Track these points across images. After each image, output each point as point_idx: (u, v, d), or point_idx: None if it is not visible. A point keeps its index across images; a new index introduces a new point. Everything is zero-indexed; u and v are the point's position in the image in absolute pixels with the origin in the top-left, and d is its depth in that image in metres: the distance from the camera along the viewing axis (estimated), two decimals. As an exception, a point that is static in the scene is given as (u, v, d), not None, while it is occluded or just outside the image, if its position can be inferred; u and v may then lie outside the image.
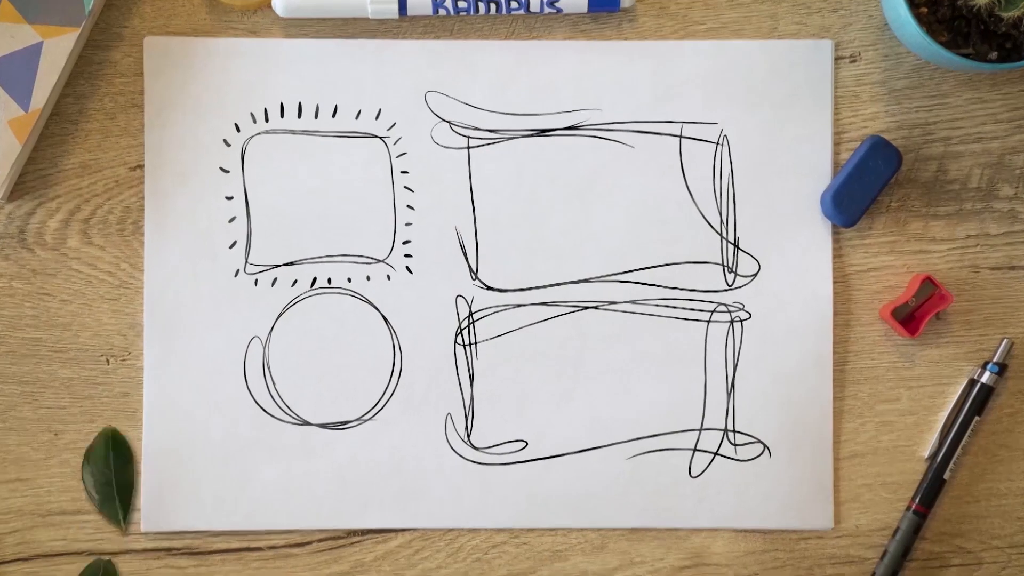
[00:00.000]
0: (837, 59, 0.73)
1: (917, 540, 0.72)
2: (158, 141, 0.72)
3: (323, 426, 0.72)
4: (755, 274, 0.73)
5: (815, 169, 0.73)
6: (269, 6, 0.71)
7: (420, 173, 0.72)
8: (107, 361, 0.72)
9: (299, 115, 0.72)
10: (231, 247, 0.72)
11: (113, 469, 0.71)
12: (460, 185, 0.72)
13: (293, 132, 0.72)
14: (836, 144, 0.73)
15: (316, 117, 0.72)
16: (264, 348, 0.72)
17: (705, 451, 0.73)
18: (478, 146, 0.72)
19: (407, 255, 0.73)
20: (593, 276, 0.72)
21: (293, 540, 0.72)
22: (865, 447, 0.73)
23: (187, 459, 0.71)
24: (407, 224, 0.72)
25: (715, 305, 0.73)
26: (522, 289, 0.72)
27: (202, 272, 0.72)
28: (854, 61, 0.73)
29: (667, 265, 0.72)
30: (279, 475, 0.72)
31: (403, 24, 0.72)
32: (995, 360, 0.73)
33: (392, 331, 0.72)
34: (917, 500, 0.73)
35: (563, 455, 0.72)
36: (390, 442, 0.72)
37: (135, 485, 0.72)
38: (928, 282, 0.72)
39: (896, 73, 0.73)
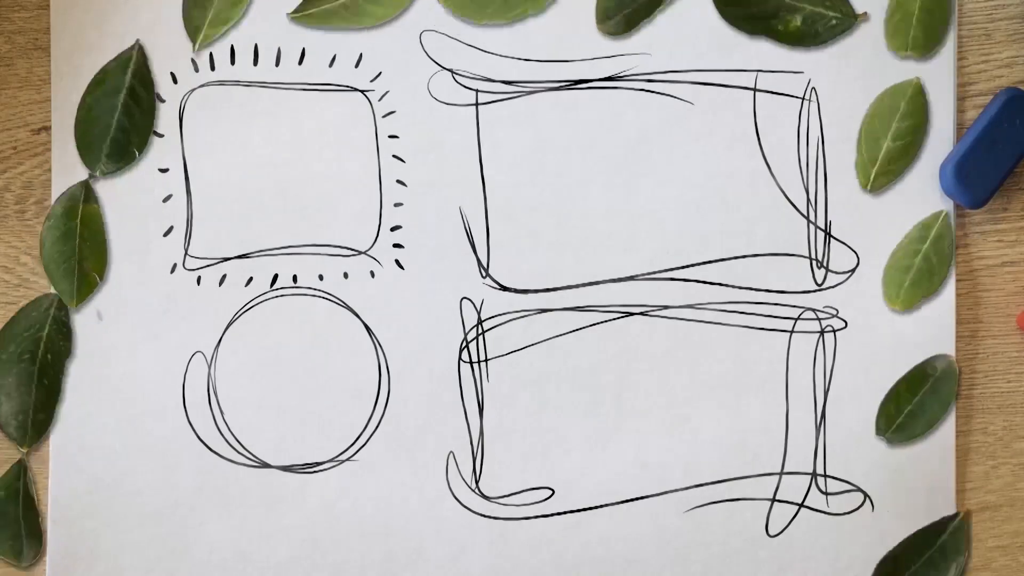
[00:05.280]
0: (961, -13, 0.69)
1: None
2: (68, 96, 0.66)
3: (287, 469, 0.67)
4: (852, 270, 0.68)
5: (932, 132, 0.68)
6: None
7: (414, 138, 0.67)
8: None
9: (255, 61, 0.67)
10: (166, 235, 0.67)
11: (10, 524, 0.66)
12: (466, 154, 0.67)
13: (247, 84, 0.67)
14: (960, 99, 0.68)
15: (277, 64, 0.67)
16: (210, 367, 0.66)
17: (787, 502, 0.67)
18: (490, 102, 0.67)
19: (397, 245, 0.67)
20: (640, 273, 0.67)
21: (249, 619, 0.68)
22: (999, 497, 0.69)
23: (106, 517, 0.67)
24: (397, 205, 0.67)
25: (800, 310, 0.67)
26: (546, 290, 0.67)
27: (128, 267, 0.67)
28: (984, -11, 0.69)
29: (737, 258, 0.67)
30: (230, 535, 0.66)
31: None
32: None
33: (377, 344, 0.67)
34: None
35: (600, 507, 0.67)
36: (375, 490, 0.67)
37: (38, 547, 0.66)
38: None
39: (1040, 6, 0.69)
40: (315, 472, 0.66)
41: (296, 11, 0.65)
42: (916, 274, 0.66)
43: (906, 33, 0.66)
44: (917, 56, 0.66)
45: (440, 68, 0.66)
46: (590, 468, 0.67)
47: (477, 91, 0.67)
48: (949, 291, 0.67)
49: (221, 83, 0.66)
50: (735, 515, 0.67)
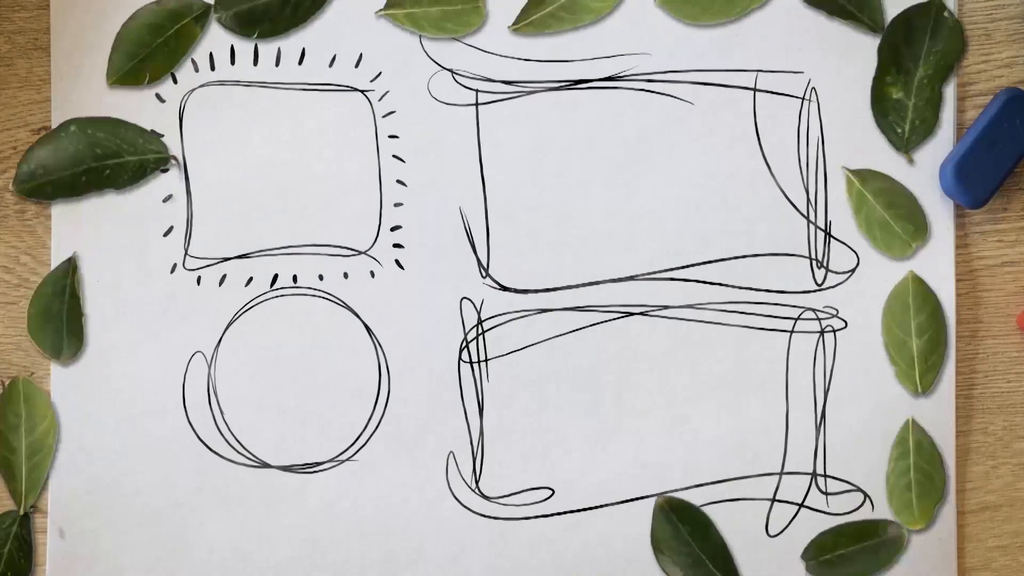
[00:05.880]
0: (961, -13, 0.68)
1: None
2: (68, 96, 0.66)
3: (287, 469, 0.66)
4: (852, 270, 0.67)
5: (932, 132, 0.67)
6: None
7: (414, 138, 0.67)
8: (2, 383, 0.66)
9: (255, 62, 0.66)
10: (166, 235, 0.66)
11: (53, 319, 0.66)
12: (466, 154, 0.67)
13: (247, 84, 0.66)
14: (960, 99, 0.67)
15: (277, 64, 0.66)
16: (210, 367, 0.66)
17: (787, 502, 0.67)
18: (490, 102, 0.67)
19: (397, 245, 0.67)
20: (640, 273, 0.67)
21: (248, 620, 0.67)
22: (999, 497, 0.69)
23: (106, 517, 0.66)
24: (397, 205, 0.67)
25: (800, 310, 0.67)
26: (546, 290, 0.67)
27: (128, 267, 0.66)
28: (983, -11, 0.68)
29: (737, 258, 0.67)
30: (230, 535, 0.66)
31: (391, -58, 0.67)
32: None
33: (377, 344, 0.66)
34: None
35: (600, 507, 0.67)
36: (375, 490, 0.66)
37: (33, 550, 0.66)
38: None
39: (1040, 5, 0.68)
40: (315, 472, 0.66)
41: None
42: (919, 487, 0.65)
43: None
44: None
45: (440, 68, 0.66)
46: (590, 468, 0.66)
47: (477, 91, 0.66)
48: (948, 291, 0.66)
49: (221, 83, 0.66)
50: (735, 515, 0.66)
